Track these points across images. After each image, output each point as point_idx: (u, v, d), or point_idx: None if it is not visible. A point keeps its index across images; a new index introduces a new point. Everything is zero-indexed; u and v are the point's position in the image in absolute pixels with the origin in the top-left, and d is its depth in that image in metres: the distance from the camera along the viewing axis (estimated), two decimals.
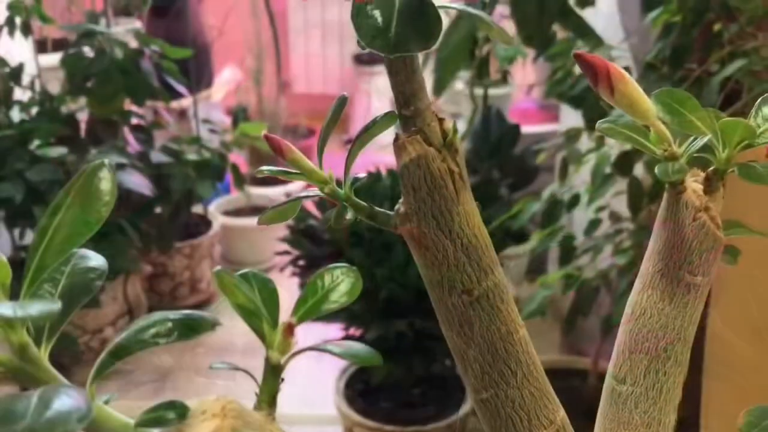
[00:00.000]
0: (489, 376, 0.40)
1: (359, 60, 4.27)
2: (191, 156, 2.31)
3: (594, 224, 1.69)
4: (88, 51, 2.14)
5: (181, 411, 0.31)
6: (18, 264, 0.32)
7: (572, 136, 1.63)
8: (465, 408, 1.87)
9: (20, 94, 2.14)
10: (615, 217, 1.68)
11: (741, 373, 1.11)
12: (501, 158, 2.48)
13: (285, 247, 1.87)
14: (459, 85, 3.15)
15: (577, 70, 1.52)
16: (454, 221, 0.39)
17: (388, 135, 0.40)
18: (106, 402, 0.33)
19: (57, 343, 0.33)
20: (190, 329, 0.32)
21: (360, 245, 1.72)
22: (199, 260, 2.74)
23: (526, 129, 2.71)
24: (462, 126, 2.96)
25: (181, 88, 2.43)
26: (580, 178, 1.74)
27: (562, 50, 1.58)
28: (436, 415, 1.88)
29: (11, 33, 2.09)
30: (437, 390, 1.95)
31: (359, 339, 1.83)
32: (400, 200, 0.39)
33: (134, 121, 2.26)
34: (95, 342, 2.30)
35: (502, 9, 2.50)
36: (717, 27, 1.39)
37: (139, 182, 1.95)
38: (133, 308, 2.43)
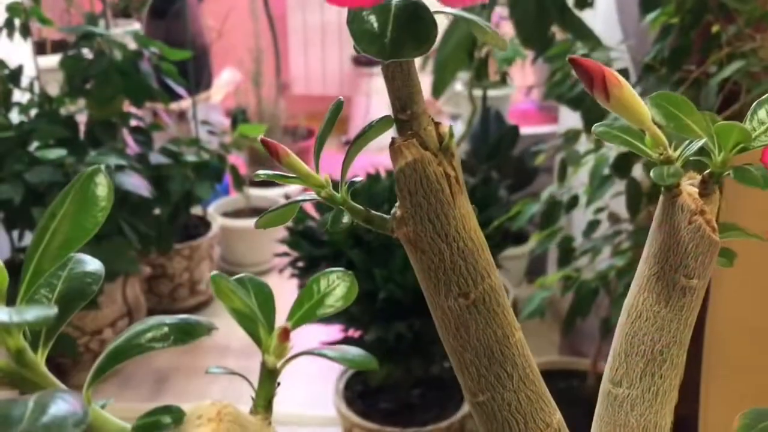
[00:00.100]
0: (485, 379, 0.40)
1: (358, 61, 4.27)
2: (190, 157, 2.31)
3: (593, 225, 1.69)
4: (87, 53, 2.14)
5: (177, 415, 0.31)
6: (17, 266, 0.32)
7: (571, 137, 1.63)
8: (464, 409, 1.88)
9: (19, 96, 2.14)
10: (614, 219, 1.68)
11: (740, 373, 1.11)
12: (500, 159, 2.48)
13: (284, 248, 1.87)
14: (458, 86, 3.16)
15: None
16: (450, 225, 0.39)
17: (388, 136, 0.40)
18: (103, 406, 0.33)
19: (56, 344, 0.33)
20: (186, 334, 0.32)
21: (359, 246, 1.72)
22: (198, 262, 2.75)
23: (525, 130, 2.72)
24: (461, 127, 2.97)
25: (180, 90, 2.43)
26: (579, 179, 1.74)
27: (561, 52, 1.58)
28: (436, 417, 1.88)
29: (10, 35, 2.10)
30: (436, 391, 1.96)
31: (358, 340, 1.83)
32: (397, 204, 0.40)
33: (133, 122, 2.26)
34: (94, 343, 2.30)
35: (501, 10, 2.50)
36: (715, 28, 1.40)
37: (138, 184, 1.95)
38: (132, 310, 2.43)
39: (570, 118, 2.01)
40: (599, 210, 1.68)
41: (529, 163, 2.45)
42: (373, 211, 0.41)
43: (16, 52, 2.22)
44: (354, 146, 0.39)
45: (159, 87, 2.19)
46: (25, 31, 2.11)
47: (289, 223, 1.78)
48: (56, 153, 1.91)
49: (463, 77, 2.80)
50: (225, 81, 3.81)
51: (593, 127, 0.42)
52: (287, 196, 3.12)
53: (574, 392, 1.89)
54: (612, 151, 1.53)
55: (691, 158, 0.41)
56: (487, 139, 2.54)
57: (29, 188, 1.87)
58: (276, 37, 3.48)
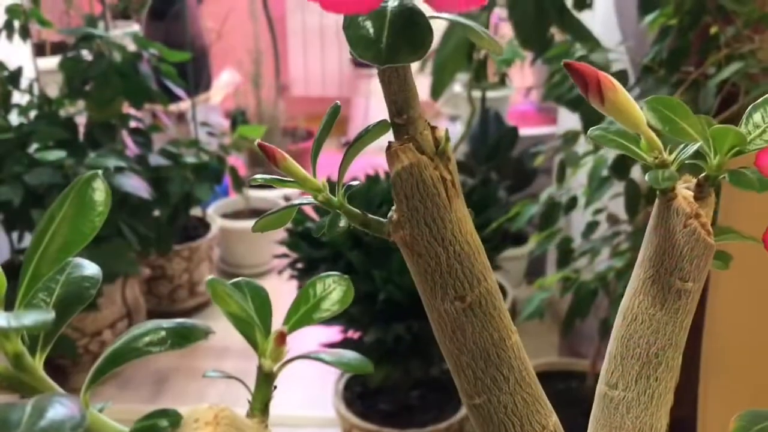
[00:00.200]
0: (482, 381, 0.41)
1: (357, 63, 4.27)
2: (190, 159, 2.31)
3: (592, 226, 1.69)
4: (86, 54, 2.14)
5: (173, 419, 0.31)
6: (16, 267, 0.32)
7: (570, 138, 1.63)
8: (463, 411, 1.88)
9: (19, 98, 2.14)
10: (613, 220, 1.69)
11: (737, 375, 1.11)
12: (499, 160, 2.48)
13: (283, 249, 1.87)
14: (457, 87, 3.16)
15: None
16: (446, 228, 0.39)
17: (388, 137, 0.40)
18: (101, 410, 0.33)
19: (55, 346, 0.33)
20: (183, 338, 0.33)
21: (359, 248, 1.72)
22: (197, 263, 2.75)
23: (524, 131, 2.72)
24: (460, 128, 2.97)
25: (179, 91, 2.43)
26: (578, 180, 1.75)
27: (560, 53, 1.58)
28: (435, 418, 1.88)
29: (10, 36, 2.10)
30: (435, 393, 1.96)
31: (358, 342, 1.83)
32: (393, 207, 0.40)
33: (133, 124, 2.26)
34: (94, 345, 2.30)
35: (500, 11, 2.51)
36: (714, 30, 1.40)
37: (137, 185, 1.95)
38: (131, 311, 2.43)
39: (569, 120, 2.01)
40: (598, 211, 1.68)
41: (528, 165, 2.45)
42: (370, 215, 0.41)
43: (16, 53, 2.22)
44: (351, 150, 0.39)
45: (158, 88, 2.19)
46: (25, 33, 2.12)
47: (289, 225, 1.78)
48: (56, 155, 1.91)
49: (462, 78, 2.80)
50: (224, 82, 3.81)
51: (589, 131, 0.42)
52: (287, 198, 3.13)
53: (574, 393, 1.90)
54: (611, 152, 1.53)
55: (686, 161, 0.42)
56: (486, 141, 2.54)
57: (29, 190, 1.88)
58: (275, 39, 3.48)
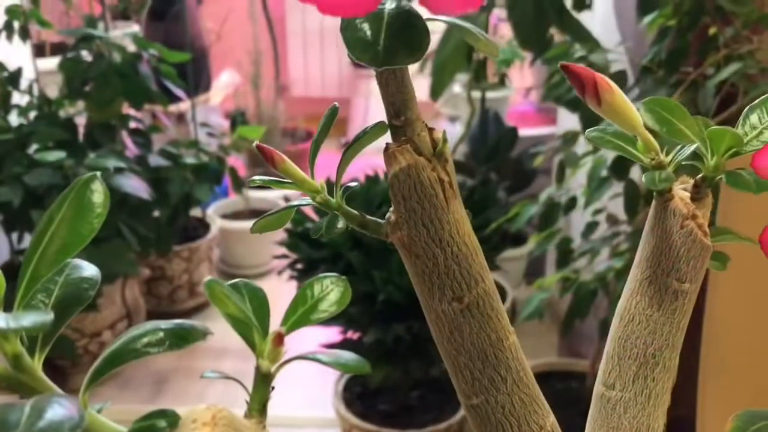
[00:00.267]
0: (479, 382, 0.41)
1: (357, 63, 4.27)
2: (189, 159, 2.32)
3: (591, 227, 1.70)
4: (86, 55, 2.14)
5: (171, 419, 0.32)
6: (16, 268, 0.32)
7: (569, 139, 1.63)
8: (462, 411, 1.88)
9: (18, 99, 2.14)
10: (612, 220, 1.69)
11: (736, 375, 1.11)
12: (498, 161, 2.48)
13: (283, 250, 1.87)
14: (457, 88, 3.16)
15: None
16: (444, 230, 0.39)
17: (387, 139, 0.41)
18: (99, 410, 0.33)
19: (55, 347, 0.33)
20: (181, 339, 0.33)
21: (358, 249, 1.72)
22: (197, 263, 2.75)
23: (524, 132, 2.72)
24: (460, 129, 2.97)
25: (179, 92, 2.44)
26: (577, 180, 1.75)
27: (559, 53, 1.58)
28: (434, 419, 1.89)
29: (9, 37, 2.10)
30: (435, 393, 1.96)
31: (357, 342, 1.83)
32: (391, 208, 0.40)
33: (132, 125, 2.26)
34: (93, 346, 2.31)
35: (499, 12, 2.51)
36: (712, 31, 1.40)
37: (137, 186, 1.95)
38: (131, 312, 2.43)
39: (568, 120, 2.01)
40: (597, 211, 1.68)
41: (527, 165, 2.45)
42: (368, 216, 0.41)
43: (16, 54, 2.22)
44: (349, 151, 0.40)
45: (158, 89, 2.19)
46: (24, 34, 2.12)
47: (288, 226, 1.78)
48: (55, 155, 1.91)
49: (461, 79, 2.81)
50: (224, 83, 3.81)
51: (586, 132, 0.43)
52: (287, 199, 3.13)
53: (573, 393, 1.90)
54: (610, 153, 1.53)
55: (684, 163, 0.42)
56: (485, 141, 2.54)
57: (28, 191, 1.88)
58: (275, 39, 3.49)
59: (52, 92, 2.21)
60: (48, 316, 0.28)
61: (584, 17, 1.63)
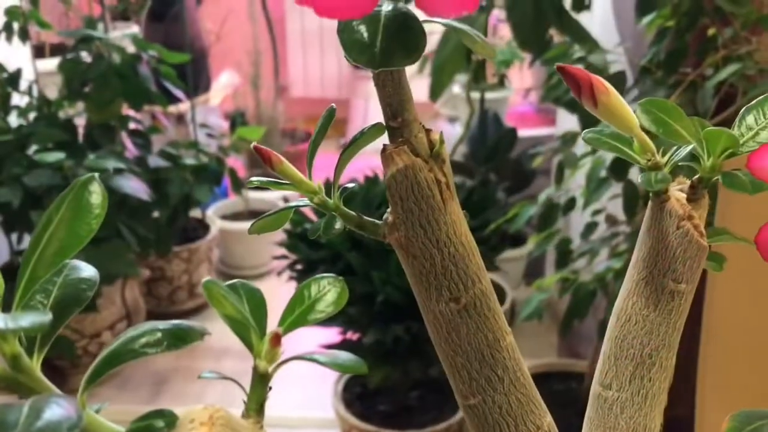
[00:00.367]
0: (476, 382, 0.41)
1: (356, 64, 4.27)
2: (189, 160, 2.32)
3: (590, 227, 1.70)
4: (85, 56, 2.15)
5: (169, 419, 0.32)
6: (15, 269, 0.32)
7: (568, 139, 1.64)
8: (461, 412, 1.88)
9: (18, 100, 2.14)
10: (611, 221, 1.69)
11: (735, 375, 1.12)
12: (498, 161, 2.48)
13: (282, 251, 1.87)
14: (456, 88, 3.16)
15: None
16: (441, 230, 0.39)
17: (385, 139, 0.41)
18: (98, 411, 0.33)
19: (54, 347, 0.34)
20: (179, 339, 0.33)
21: (357, 249, 1.72)
22: (197, 264, 2.75)
23: (523, 132, 2.73)
24: (459, 129, 2.97)
25: (178, 93, 2.44)
26: (576, 181, 1.75)
27: (559, 54, 1.59)
28: (434, 419, 1.89)
29: (9, 38, 2.10)
30: (434, 394, 1.96)
31: (356, 343, 1.83)
32: (389, 209, 0.40)
33: (132, 125, 2.27)
34: (93, 346, 2.31)
35: (499, 13, 2.51)
36: (711, 31, 1.40)
37: (136, 187, 1.95)
38: (131, 313, 2.43)
39: (567, 121, 2.02)
40: (596, 212, 1.69)
41: (526, 166, 2.45)
42: (366, 217, 0.42)
43: (15, 55, 2.23)
44: (346, 153, 0.40)
45: (157, 90, 2.19)
46: (24, 35, 2.12)
47: (288, 226, 1.79)
48: (55, 156, 1.91)
49: (460, 80, 2.81)
50: (223, 84, 3.82)
51: (583, 134, 0.43)
52: (286, 199, 3.13)
53: (572, 394, 1.90)
54: (609, 154, 1.53)
55: (681, 164, 0.42)
56: (485, 142, 2.55)
57: (28, 191, 1.88)
58: (274, 40, 3.49)
59: (52, 93, 2.22)
60: (46, 317, 0.28)
61: (583, 18, 1.63)
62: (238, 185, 2.56)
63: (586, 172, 1.60)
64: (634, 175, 1.52)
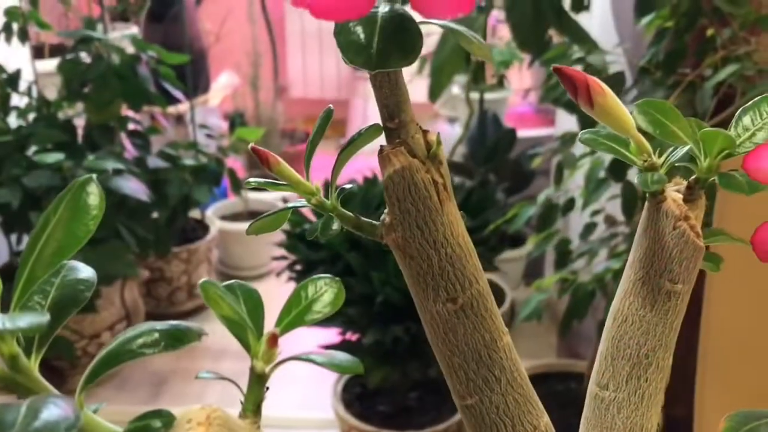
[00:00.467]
0: (474, 382, 0.41)
1: None
2: (188, 161, 2.32)
3: (589, 228, 1.70)
4: (85, 57, 2.15)
5: (167, 420, 0.32)
6: (15, 269, 0.33)
7: (567, 140, 1.64)
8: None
9: (17, 100, 2.14)
10: (610, 221, 1.69)
11: (734, 376, 1.12)
12: (497, 162, 2.48)
13: (282, 251, 1.87)
14: (455, 89, 3.17)
15: None
16: (438, 231, 0.39)
17: (384, 140, 0.41)
18: (95, 411, 0.33)
19: (54, 348, 0.34)
20: (177, 340, 0.33)
21: (357, 250, 1.73)
22: (196, 265, 2.75)
23: (522, 133, 2.73)
24: (458, 130, 2.97)
25: (178, 94, 2.44)
26: (575, 182, 1.75)
27: (558, 55, 1.59)
28: (433, 420, 1.89)
29: (8, 39, 2.10)
30: (434, 394, 1.96)
31: (356, 343, 1.83)
32: (386, 210, 0.40)
33: (131, 126, 2.27)
34: (92, 347, 2.31)
35: (498, 13, 2.51)
36: (710, 32, 1.40)
37: (136, 187, 1.95)
38: (130, 313, 2.43)
39: (567, 121, 2.02)
40: (595, 213, 1.69)
41: (526, 166, 2.46)
42: (363, 218, 0.42)
43: (14, 56, 2.23)
44: (343, 154, 0.40)
45: (157, 91, 2.19)
46: (23, 36, 2.12)
47: (287, 227, 1.79)
48: (54, 157, 1.91)
49: (460, 80, 2.81)
50: (223, 84, 3.82)
51: (580, 134, 0.43)
52: (285, 200, 3.13)
53: (572, 394, 1.90)
54: (607, 154, 1.53)
55: (678, 164, 0.42)
56: (484, 142, 2.55)
57: (27, 192, 1.88)
58: (274, 41, 3.49)
59: (51, 94, 2.22)
60: (44, 318, 0.28)
61: (582, 19, 1.63)
62: (238, 186, 2.57)
63: (585, 172, 1.60)
64: (633, 175, 1.52)
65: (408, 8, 0.33)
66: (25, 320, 0.28)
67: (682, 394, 1.21)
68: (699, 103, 1.36)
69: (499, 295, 2.36)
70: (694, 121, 0.42)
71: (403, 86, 0.38)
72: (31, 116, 2.11)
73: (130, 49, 2.19)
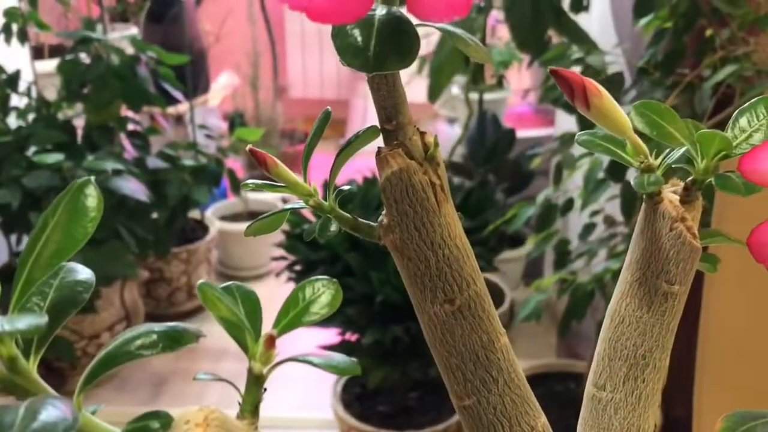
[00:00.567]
0: (471, 383, 0.41)
1: None
2: (188, 161, 2.32)
3: (588, 228, 1.70)
4: (84, 57, 2.15)
5: (165, 421, 0.32)
6: (14, 270, 0.33)
7: (567, 140, 1.64)
8: None
9: (17, 101, 2.14)
10: (609, 222, 1.69)
11: (733, 376, 1.12)
12: (496, 162, 2.49)
13: (281, 252, 1.87)
14: (455, 89, 3.17)
15: None
16: (435, 232, 0.39)
17: (380, 141, 0.41)
18: (94, 412, 0.33)
19: (53, 349, 0.34)
20: (174, 341, 0.33)
21: (356, 250, 1.73)
22: (196, 265, 2.75)
23: (522, 133, 2.73)
24: (458, 130, 2.97)
25: (177, 94, 2.44)
26: (575, 182, 1.75)
27: (557, 55, 1.59)
28: (433, 420, 1.89)
29: (8, 39, 2.10)
30: (433, 395, 1.96)
31: (355, 344, 1.83)
32: (383, 211, 0.40)
33: (131, 127, 2.27)
34: (92, 347, 2.31)
35: (497, 14, 2.51)
36: (709, 32, 1.40)
37: (135, 188, 1.95)
38: (130, 314, 2.43)
39: (566, 122, 2.02)
40: (595, 213, 1.69)
41: (525, 167, 2.46)
42: (361, 219, 0.42)
43: (14, 56, 2.23)
44: (341, 156, 0.40)
45: (156, 91, 2.20)
46: (23, 36, 2.12)
47: (286, 227, 1.79)
48: (54, 157, 1.91)
49: (459, 81, 2.81)
50: (222, 85, 3.82)
51: (577, 136, 0.43)
52: (285, 200, 3.13)
53: (571, 394, 1.90)
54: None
55: (675, 165, 0.42)
56: (483, 143, 2.55)
57: (27, 193, 1.88)
58: (273, 41, 3.49)
59: (51, 94, 2.22)
60: (42, 319, 0.28)
61: (581, 19, 1.63)
62: (237, 186, 2.56)
63: (585, 173, 1.61)
64: (632, 176, 1.52)
65: (405, 10, 0.33)
66: (23, 322, 0.28)
67: (681, 394, 1.22)
68: (698, 103, 1.36)
69: (498, 295, 2.36)
70: (690, 123, 0.42)
71: (401, 88, 0.38)
72: (31, 117, 2.11)
73: (130, 50, 2.19)
